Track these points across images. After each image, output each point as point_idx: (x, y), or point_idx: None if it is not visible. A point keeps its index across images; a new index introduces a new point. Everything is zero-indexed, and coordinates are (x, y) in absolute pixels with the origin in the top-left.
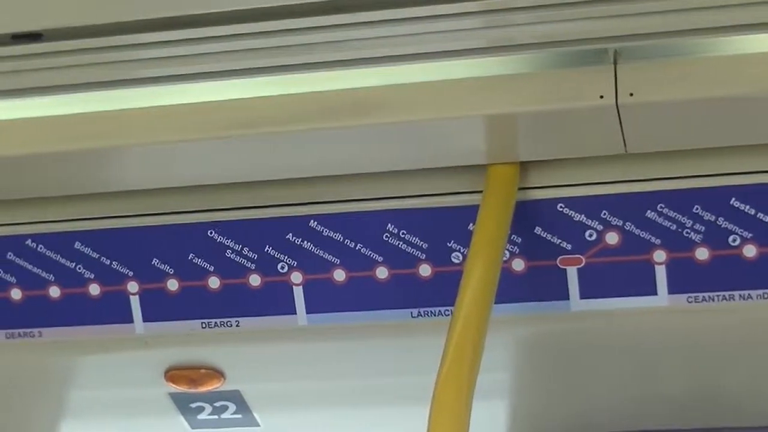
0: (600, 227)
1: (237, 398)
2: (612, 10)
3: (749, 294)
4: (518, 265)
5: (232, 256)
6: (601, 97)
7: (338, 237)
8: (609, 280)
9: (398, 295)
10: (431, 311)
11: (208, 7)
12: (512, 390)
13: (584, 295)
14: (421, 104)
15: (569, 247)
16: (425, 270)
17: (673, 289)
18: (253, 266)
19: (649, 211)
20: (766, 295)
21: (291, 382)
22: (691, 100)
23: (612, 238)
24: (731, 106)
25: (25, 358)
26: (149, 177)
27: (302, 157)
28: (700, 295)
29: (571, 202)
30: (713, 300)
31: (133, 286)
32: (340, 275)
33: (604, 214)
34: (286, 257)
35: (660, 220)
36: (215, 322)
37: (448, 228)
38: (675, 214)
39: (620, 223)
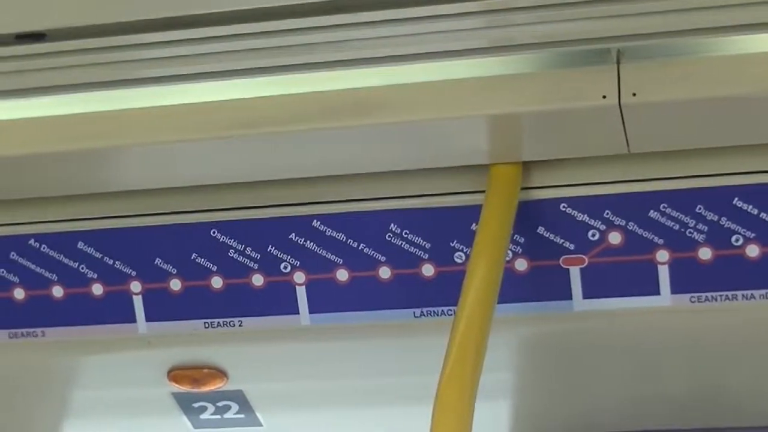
0: (603, 227)
1: (240, 398)
2: (615, 10)
3: (752, 294)
4: (521, 265)
5: (235, 255)
6: (604, 96)
7: (341, 237)
8: (612, 280)
9: (401, 295)
10: (434, 311)
11: (209, 7)
12: (515, 390)
13: (587, 295)
14: (423, 104)
15: (572, 247)
16: (428, 270)
17: (675, 289)
18: (256, 266)
19: (652, 211)
20: None
21: (294, 381)
22: (694, 100)
23: (615, 238)
24: (734, 106)
25: (28, 358)
26: (152, 177)
27: (304, 157)
28: (703, 295)
29: (574, 201)
30: (716, 300)
31: (136, 286)
32: (342, 275)
33: (607, 213)
34: (288, 257)
35: (663, 219)
36: (218, 322)
37: (450, 228)
38: (678, 213)
39: (623, 222)
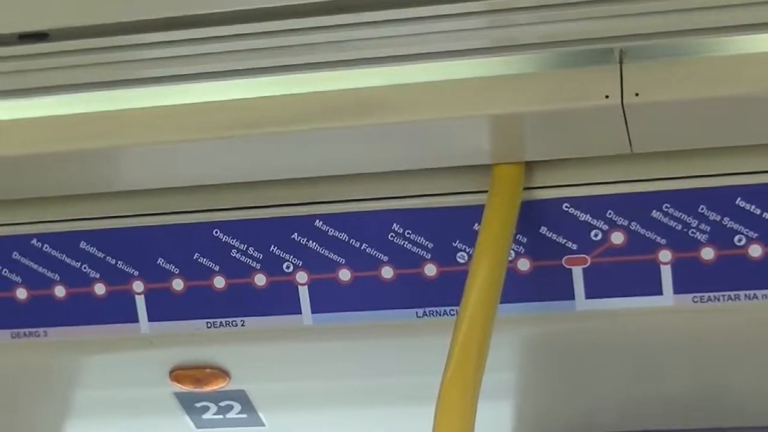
0: (605, 227)
1: (242, 398)
2: (617, 10)
3: (754, 294)
4: (523, 264)
5: (238, 255)
6: (607, 96)
7: (343, 237)
8: (614, 279)
9: (403, 295)
10: (436, 311)
11: (211, 8)
12: (517, 390)
13: (589, 294)
14: (425, 104)
15: (574, 246)
16: (430, 270)
17: (678, 289)
18: (258, 266)
19: (654, 211)
20: None
21: (296, 381)
22: (697, 100)
23: (617, 238)
24: (737, 106)
25: (30, 358)
26: (154, 177)
27: (306, 157)
28: (706, 295)
29: (577, 201)
30: (718, 300)
31: (138, 286)
32: (345, 275)
33: (610, 213)
34: (291, 257)
35: (665, 219)
36: (220, 322)
37: (453, 228)
38: (680, 213)
39: (626, 222)
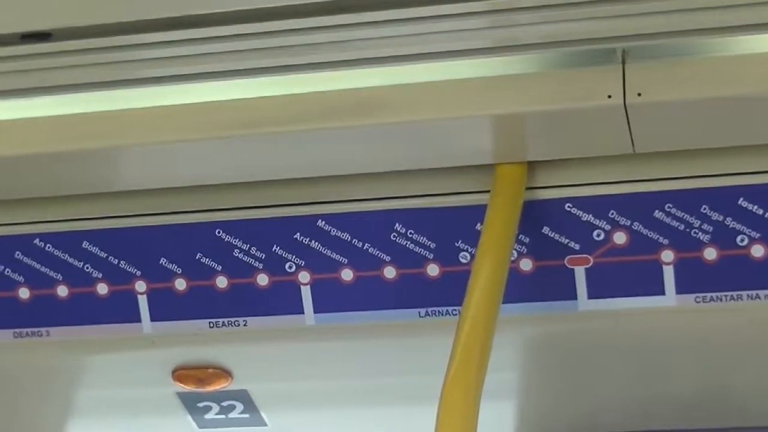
0: (608, 227)
1: (244, 398)
2: (620, 10)
3: (757, 294)
4: (526, 264)
5: (240, 255)
6: (609, 96)
7: (346, 237)
8: (617, 280)
9: (406, 295)
10: (439, 311)
11: (212, 8)
12: (520, 390)
13: (592, 295)
14: (427, 104)
15: (577, 246)
16: (433, 270)
17: (680, 289)
18: (260, 266)
19: (657, 211)
20: None
21: (298, 381)
22: (700, 100)
23: (620, 238)
24: (739, 106)
25: (32, 358)
26: (156, 177)
27: (308, 157)
28: (708, 295)
29: (579, 201)
30: (721, 300)
31: (140, 286)
32: (347, 275)
33: (612, 213)
34: (293, 257)
35: (668, 220)
36: (223, 322)
37: (455, 228)
38: (683, 214)
39: (628, 222)
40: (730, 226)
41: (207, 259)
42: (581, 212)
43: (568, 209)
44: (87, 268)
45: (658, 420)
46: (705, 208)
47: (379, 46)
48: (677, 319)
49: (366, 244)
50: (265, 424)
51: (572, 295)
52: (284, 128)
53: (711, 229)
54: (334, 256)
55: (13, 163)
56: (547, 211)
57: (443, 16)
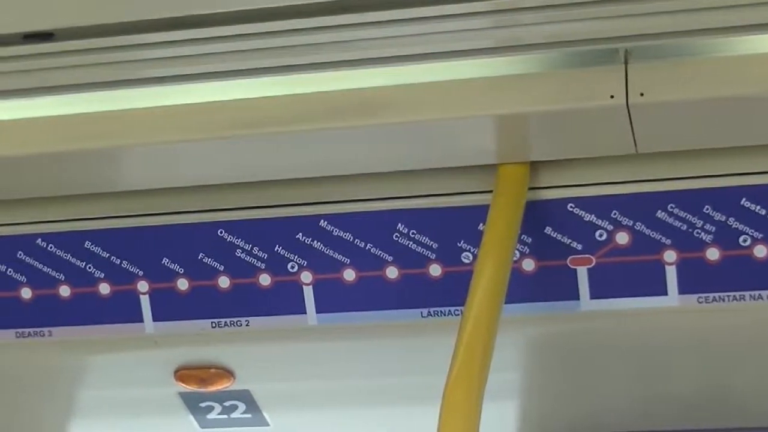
0: (610, 227)
1: (247, 398)
2: (622, 10)
3: (760, 294)
4: (528, 265)
5: (242, 255)
6: (612, 97)
7: (348, 237)
8: (619, 280)
9: (408, 295)
10: (441, 311)
11: (215, 8)
12: (522, 390)
13: (594, 295)
14: (429, 104)
15: (579, 247)
16: (435, 270)
17: (683, 290)
18: (263, 266)
19: (659, 211)
20: None
21: (301, 381)
22: (702, 100)
23: (622, 238)
24: (742, 106)
25: (35, 357)
26: (159, 177)
27: (311, 157)
28: (711, 295)
29: (582, 202)
30: (724, 300)
31: (143, 286)
32: (350, 275)
33: (615, 214)
34: (296, 257)
35: (670, 220)
36: (225, 322)
37: (458, 228)
38: (685, 214)
39: (630, 223)
40: (733, 226)
41: (209, 259)
42: (584, 212)
43: (571, 209)
44: (89, 268)
45: (661, 420)
46: (707, 209)
47: (381, 46)
48: (679, 319)
49: (368, 244)
50: (268, 424)
51: (575, 296)
52: (287, 128)
53: (713, 229)
54: (337, 256)
55: (15, 163)
56: (549, 211)
57: (446, 16)
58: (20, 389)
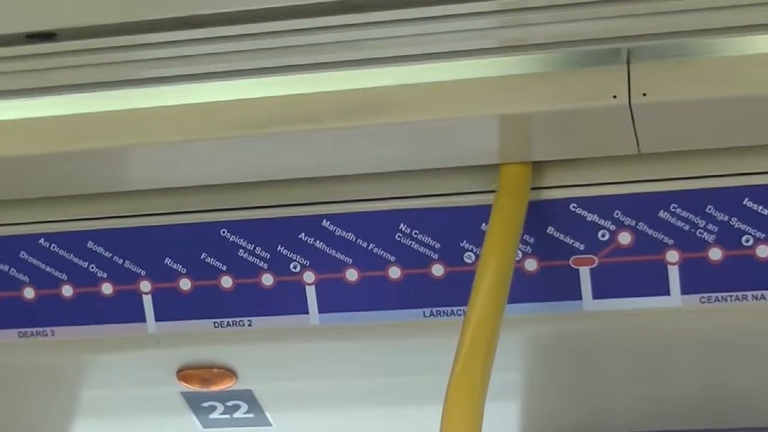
0: (613, 227)
1: (249, 397)
2: (625, 10)
3: (762, 294)
4: (531, 265)
5: (245, 255)
6: (615, 96)
7: (350, 237)
8: (622, 280)
9: (411, 295)
10: (444, 311)
11: (218, 8)
12: (525, 390)
13: (597, 295)
14: (432, 104)
15: (582, 247)
16: (438, 270)
17: (685, 290)
18: (265, 266)
19: (662, 211)
20: None
21: (303, 381)
22: (705, 100)
23: (625, 238)
24: (744, 106)
25: (37, 357)
26: (161, 177)
27: (313, 156)
28: (713, 295)
29: (584, 202)
30: (726, 300)
31: (145, 286)
32: (352, 275)
33: (617, 214)
34: (298, 257)
35: (673, 220)
36: (227, 322)
37: (460, 228)
38: (688, 214)
39: (633, 223)
40: (736, 226)
41: (212, 259)
42: (586, 212)
43: (573, 209)
44: (92, 267)
45: (663, 420)
46: (710, 209)
47: (384, 46)
48: (682, 319)
49: (371, 244)
50: (270, 424)
51: (577, 296)
52: (290, 128)
53: (716, 229)
54: (339, 256)
55: (18, 162)
56: (552, 211)
57: (449, 16)
58: (23, 389)
